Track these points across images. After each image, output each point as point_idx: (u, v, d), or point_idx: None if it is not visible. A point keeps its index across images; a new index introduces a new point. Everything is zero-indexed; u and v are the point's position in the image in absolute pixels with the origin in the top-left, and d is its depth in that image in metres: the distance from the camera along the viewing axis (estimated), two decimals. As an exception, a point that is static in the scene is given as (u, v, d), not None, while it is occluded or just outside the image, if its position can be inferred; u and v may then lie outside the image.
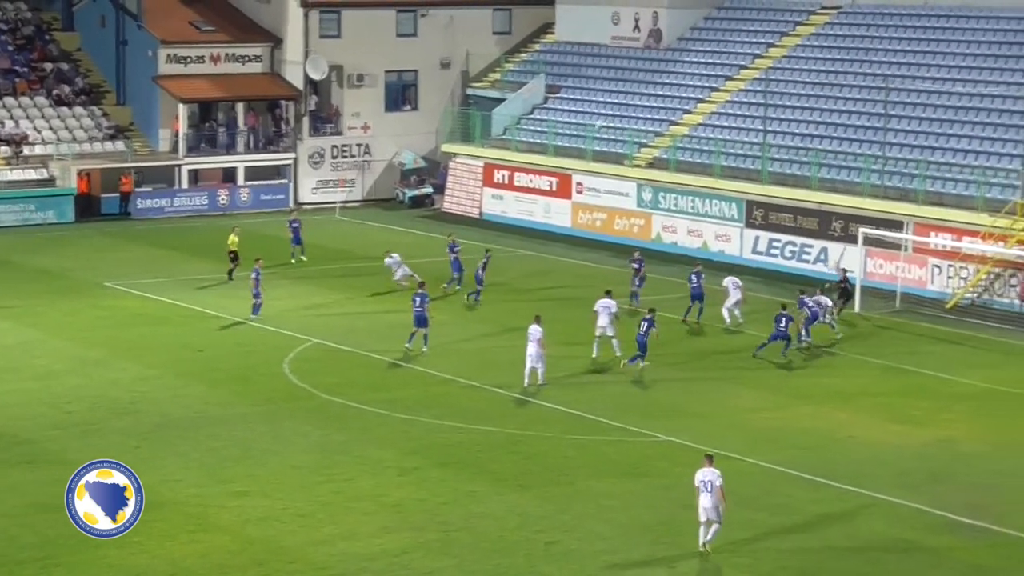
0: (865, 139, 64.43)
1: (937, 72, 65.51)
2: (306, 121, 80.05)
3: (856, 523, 34.06)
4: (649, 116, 73.18)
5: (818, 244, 62.07)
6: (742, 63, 72.99)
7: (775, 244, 63.75)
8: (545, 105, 78.04)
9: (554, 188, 72.79)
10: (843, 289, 53.79)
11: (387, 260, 58.31)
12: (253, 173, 78.79)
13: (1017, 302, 54.99)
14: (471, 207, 76.49)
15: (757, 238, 64.43)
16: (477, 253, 58.96)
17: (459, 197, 77.38)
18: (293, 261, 62.62)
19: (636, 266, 55.99)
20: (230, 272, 58.91)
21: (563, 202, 72.35)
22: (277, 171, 79.64)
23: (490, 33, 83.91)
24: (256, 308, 52.63)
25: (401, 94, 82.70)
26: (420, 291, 49.07)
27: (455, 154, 78.25)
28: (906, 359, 48.82)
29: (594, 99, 76.28)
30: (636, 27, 77.85)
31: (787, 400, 44.02)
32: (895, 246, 58.31)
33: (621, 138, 71.88)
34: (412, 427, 41.15)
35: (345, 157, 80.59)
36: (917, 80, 65.44)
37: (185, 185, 77.42)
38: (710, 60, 74.51)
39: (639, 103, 74.38)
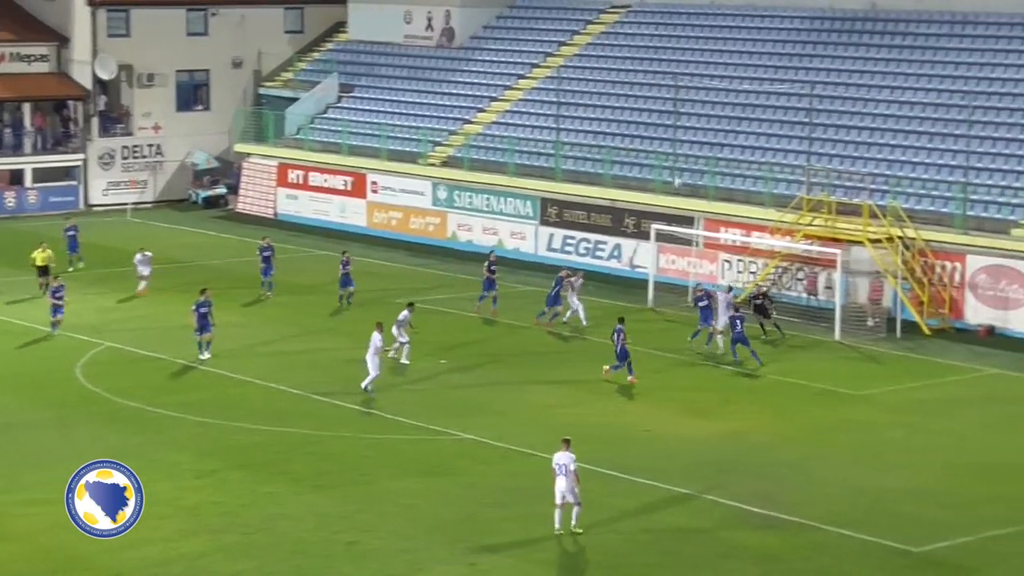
0: (656, 136, 65.37)
1: (725, 70, 66.72)
2: (95, 121, 78.85)
3: (652, 515, 34.58)
4: (443, 115, 73.41)
5: (612, 241, 62.85)
6: (534, 61, 73.57)
7: (569, 241, 64.39)
8: (339, 104, 77.87)
9: (349, 187, 72.68)
10: (758, 306, 52.75)
11: (137, 257, 57.61)
12: (41, 175, 77.38)
13: (804, 295, 56.21)
14: (265, 207, 76.03)
15: (552, 235, 65.01)
16: (279, 253, 58.53)
17: (253, 197, 76.86)
18: (71, 269, 60.88)
19: (492, 270, 54.62)
20: (42, 286, 56.25)
21: (358, 201, 72.27)
22: (66, 172, 78.32)
23: (282, 32, 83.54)
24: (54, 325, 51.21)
25: (192, 94, 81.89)
26: (203, 298, 47.72)
27: (248, 154, 77.70)
28: (695, 354, 49.64)
29: (388, 98, 76.30)
30: (429, 26, 78.05)
31: (584, 396, 44.51)
32: (687, 242, 59.27)
33: (415, 137, 72.01)
34: (208, 429, 40.84)
35: (136, 158, 79.57)
36: (706, 78, 66.58)
37: (-30, 187, 75.83)
38: (503, 59, 74.99)
39: (433, 102, 74.57)
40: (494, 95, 73.05)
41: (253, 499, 35.35)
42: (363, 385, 44.09)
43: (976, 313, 53.18)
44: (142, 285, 57.06)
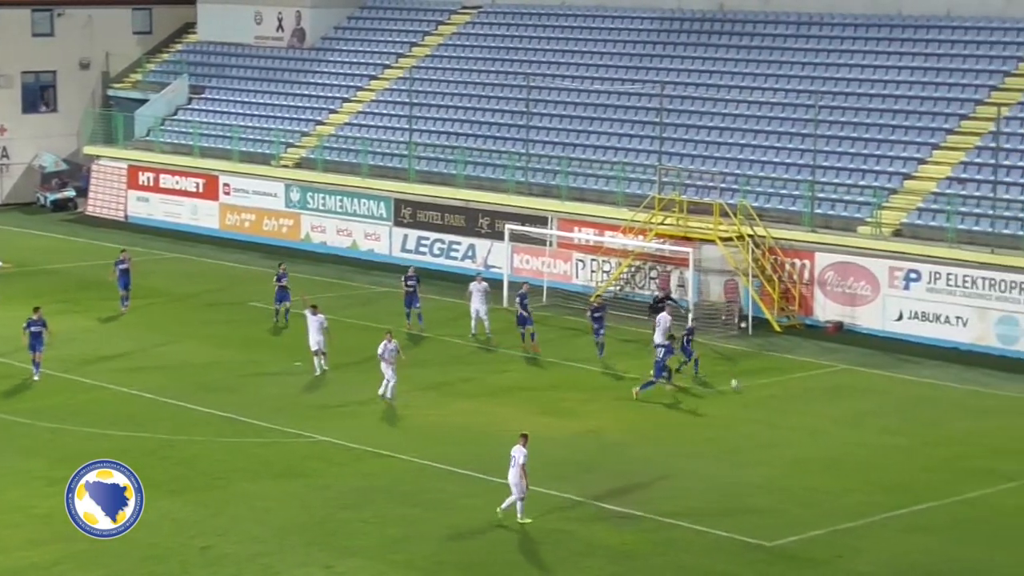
0: (509, 137, 65.60)
1: (576, 71, 67.13)
2: (-61, 123, 77.49)
3: (509, 515, 34.66)
4: (295, 116, 73.08)
5: (466, 241, 62.94)
6: (386, 62, 73.48)
7: (424, 242, 64.40)
8: (189, 106, 77.20)
9: (201, 189, 72.05)
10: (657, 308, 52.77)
11: None
12: None
13: (658, 293, 56.70)
14: (116, 210, 75.13)
15: (406, 236, 64.98)
16: (133, 256, 57.80)
17: (103, 200, 75.91)
18: None
19: (411, 284, 52.65)
20: None
21: (211, 203, 71.67)
22: (-91, 176, 76.90)
23: (130, 33, 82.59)
24: None
25: (39, 95, 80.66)
26: (35, 317, 45.58)
27: (98, 156, 76.74)
28: (554, 352, 49.91)
29: (239, 99, 75.79)
30: (280, 27, 77.63)
31: (441, 397, 44.54)
32: (541, 242, 59.53)
33: (268, 139, 71.60)
34: (60, 436, 40.32)
35: (-18, 160, 78.29)
36: (557, 79, 66.95)
37: None
38: (354, 59, 74.82)
39: (285, 103, 74.20)
40: (346, 96, 72.86)
41: (106, 506, 34.90)
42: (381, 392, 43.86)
43: (825, 310, 54.01)
44: None
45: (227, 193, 71.19)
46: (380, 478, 37.38)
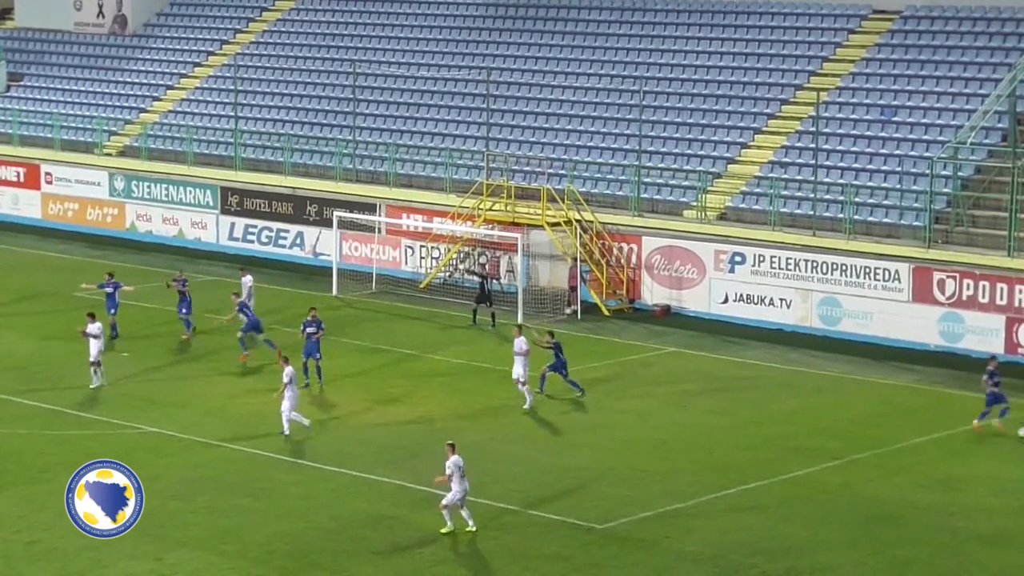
0: (336, 124, 65.36)
1: (402, 57, 67.09)
2: None
3: (340, 503, 34.61)
4: (118, 104, 72.14)
5: (294, 229, 62.61)
6: (210, 49, 72.79)
7: (251, 230, 63.93)
8: (8, 94, 75.81)
9: (22, 179, 70.80)
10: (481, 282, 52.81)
11: None
12: None
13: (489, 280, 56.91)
14: (-66, 200, 73.56)
15: (233, 224, 64.45)
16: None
17: (-80, 190, 74.23)
18: None
19: (180, 287, 49.79)
20: None
21: (32, 193, 70.45)
22: None
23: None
24: None
25: None
26: None
27: (-86, 145, 75.10)
28: (384, 339, 49.86)
29: (60, 87, 74.64)
30: (100, 13, 76.51)
31: (264, 386, 44.17)
32: (369, 228, 59.41)
33: (90, 127, 70.56)
34: None
35: None
36: (383, 65, 66.84)
37: None
38: (178, 47, 74.01)
39: (107, 91, 73.22)
40: (170, 84, 72.06)
41: (-73, 502, 34.26)
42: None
43: (652, 293, 54.59)
44: None
45: (49, 182, 70.04)
46: (209, 468, 37.07)
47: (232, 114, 67.52)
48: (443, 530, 32.38)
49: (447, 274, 57.59)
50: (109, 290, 49.05)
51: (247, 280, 50.45)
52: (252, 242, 63.63)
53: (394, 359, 47.68)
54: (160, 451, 38.30)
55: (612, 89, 61.01)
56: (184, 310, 49.48)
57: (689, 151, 57.53)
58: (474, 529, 32.43)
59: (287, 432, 39.44)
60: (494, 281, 53.98)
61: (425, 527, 32.89)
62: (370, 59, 67.43)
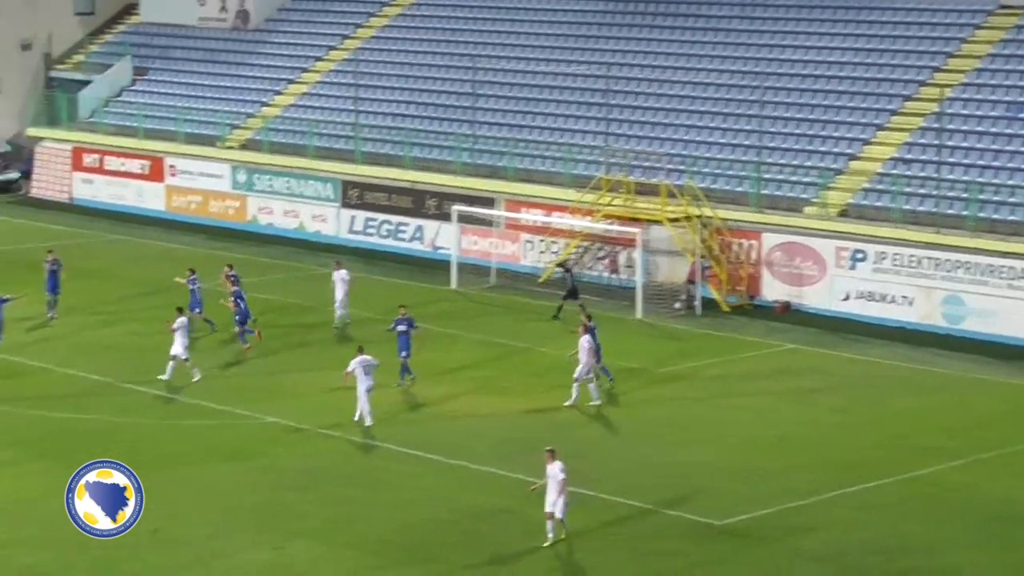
0: (456, 118, 65.49)
1: (523, 52, 67.06)
2: None
3: (455, 495, 34.69)
4: (240, 98, 72.74)
5: (414, 223, 62.82)
6: (331, 44, 73.18)
7: (371, 223, 64.23)
8: (133, 87, 76.73)
9: (146, 171, 71.66)
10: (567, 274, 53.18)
11: None
12: None
13: (606, 274, 56.83)
14: (60, 192, 74.64)
15: (353, 218, 64.80)
16: (75, 238, 57.56)
17: (48, 182, 75.39)
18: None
19: (235, 296, 47.95)
20: None
21: (156, 185, 71.29)
22: None
23: (72, 14, 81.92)
24: None
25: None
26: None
27: (41, 138, 76.20)
28: (501, 332, 49.89)
29: (183, 81, 75.39)
30: (223, 8, 77.18)
31: (387, 378, 44.36)
32: (488, 223, 59.50)
33: (213, 120, 71.26)
34: (5, 419, 40.05)
35: (-76, 142, 77.62)
36: (504, 60, 66.87)
37: None
38: (299, 41, 74.50)
39: (229, 84, 73.84)
40: (291, 77, 72.57)
41: (53, 489, 34.39)
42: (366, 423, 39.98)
43: (772, 290, 54.19)
44: None
45: (172, 175, 70.83)
46: (326, 459, 37.33)
47: (352, 108, 67.88)
48: (544, 544, 31.51)
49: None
50: (191, 286, 49.06)
51: (342, 274, 50.37)
52: (372, 235, 63.94)
53: (511, 352, 47.68)
54: (278, 441, 38.63)
55: (733, 84, 60.61)
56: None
57: (810, 147, 57.03)
58: (551, 542, 31.36)
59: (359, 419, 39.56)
60: (574, 273, 53.57)
61: (540, 520, 32.82)
62: (490, 54, 67.49)
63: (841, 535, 32.45)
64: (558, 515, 31.30)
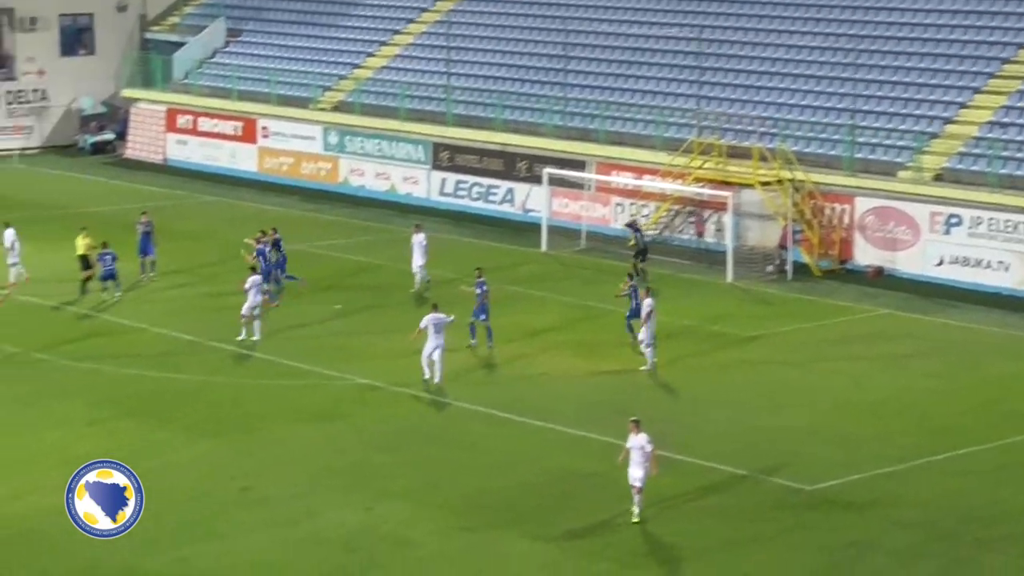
0: (547, 80, 65.29)
1: (614, 14, 66.70)
2: (-23, 66, 77.62)
3: (545, 458, 34.67)
4: (333, 59, 72.86)
5: (504, 185, 62.76)
6: (424, 5, 73.10)
7: (462, 186, 64.24)
8: (227, 49, 77.07)
9: (239, 132, 72.01)
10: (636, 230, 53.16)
11: (7, 232, 50.00)
12: (-77, 120, 76.18)
13: (695, 238, 56.57)
14: (155, 153, 75.19)
15: (444, 180, 64.83)
16: (169, 199, 57.94)
17: (142, 143, 75.97)
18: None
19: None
20: (84, 282, 48.75)
21: (249, 147, 71.64)
22: (-52, 118, 77.16)
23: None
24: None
25: (77, 38, 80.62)
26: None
27: (136, 99, 76.77)
28: (591, 295, 49.73)
29: (276, 43, 75.62)
30: (317, -31, 77.30)
31: (467, 341, 44.32)
32: (578, 185, 59.34)
33: (305, 82, 71.46)
34: (98, 377, 40.43)
35: (21, 103, 78.31)
36: (595, 22, 66.55)
37: None
38: (392, 3, 74.45)
39: (322, 46, 73.98)
40: (384, 39, 72.59)
41: (145, 447, 35.04)
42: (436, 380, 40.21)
43: (865, 254, 53.71)
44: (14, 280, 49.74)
45: (265, 136, 71.14)
46: (417, 420, 37.42)
47: (444, 70, 67.84)
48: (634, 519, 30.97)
49: (657, 232, 57.28)
50: (262, 248, 48.95)
51: (420, 238, 50.20)
52: (463, 198, 63.95)
53: (599, 315, 47.47)
54: (368, 402, 38.75)
55: (826, 47, 60.00)
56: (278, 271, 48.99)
57: (905, 110, 56.37)
58: (636, 520, 30.79)
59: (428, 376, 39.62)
60: (645, 234, 53.32)
61: (629, 484, 32.76)
62: (582, 15, 67.19)
63: (934, 501, 32.16)
64: (636, 483, 30.58)
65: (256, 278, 44.19)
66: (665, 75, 62.74)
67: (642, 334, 41.61)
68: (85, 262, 48.86)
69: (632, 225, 53.81)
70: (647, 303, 41.52)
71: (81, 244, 49.05)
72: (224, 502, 31.82)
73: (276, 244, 49.44)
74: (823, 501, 32.23)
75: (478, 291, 43.40)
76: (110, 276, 47.89)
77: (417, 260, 49.77)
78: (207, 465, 33.97)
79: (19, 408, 37.85)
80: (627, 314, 43.44)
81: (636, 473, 30.56)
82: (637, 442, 30.57)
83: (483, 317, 43.25)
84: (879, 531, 30.59)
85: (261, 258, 47.85)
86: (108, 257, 47.86)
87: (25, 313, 46.65)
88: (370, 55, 72.05)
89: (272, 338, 44.05)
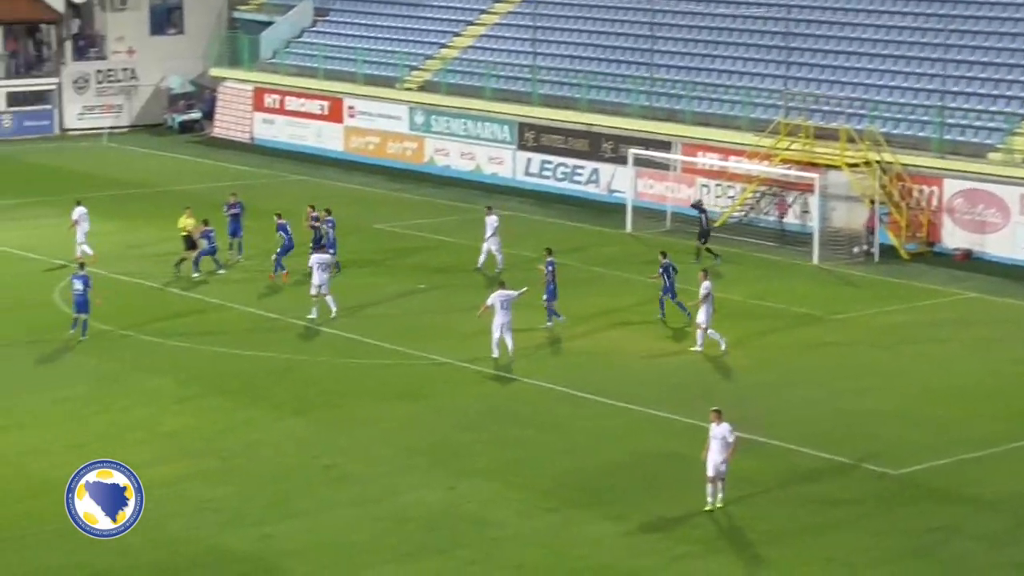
0: (633, 60, 65.10)
1: (702, -6, 66.45)
2: (69, 45, 78.25)
3: (630, 439, 34.66)
4: (419, 39, 72.99)
5: (589, 165, 62.68)
6: (511, -15, 73.11)
7: (547, 166, 64.21)
8: (314, 28, 77.38)
9: (325, 112, 72.31)
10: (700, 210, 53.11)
11: (77, 210, 50.73)
12: (16, 99, 76.89)
13: (778, 219, 56.25)
14: (242, 132, 75.66)
15: (529, 160, 64.82)
16: (256, 178, 58.19)
17: (229, 122, 76.46)
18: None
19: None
20: (179, 262, 48.83)
21: (335, 126, 71.91)
22: (40, 97, 77.87)
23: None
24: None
25: (166, 17, 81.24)
26: (81, 272, 42.65)
27: (224, 78, 77.25)
28: (676, 277, 49.52)
29: (363, 22, 75.81)
30: (405, -51, 77.41)
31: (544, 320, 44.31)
32: (664, 166, 59.16)
33: (391, 61, 71.62)
34: (188, 355, 40.78)
35: (111, 82, 79.04)
36: (682, 1, 66.23)
37: (-55, 111, 75.54)
38: (479, -18, 74.51)
39: (408, 26, 74.11)
40: (470, 19, 72.60)
41: (232, 424, 35.35)
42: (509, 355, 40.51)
43: (953, 237, 53.23)
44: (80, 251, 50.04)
45: (351, 116, 71.39)
46: (500, 400, 37.49)
47: (530, 50, 67.79)
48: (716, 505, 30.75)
49: (743, 213, 57.04)
50: (327, 227, 49.10)
51: (493, 220, 50.18)
52: (548, 178, 63.92)
53: (684, 297, 47.31)
54: (451, 381, 38.87)
55: (916, 28, 59.45)
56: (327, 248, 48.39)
57: (995, 91, 55.76)
58: (712, 507, 30.40)
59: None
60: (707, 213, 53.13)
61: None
62: (669, -5, 67.00)
63: (1020, 486, 31.85)
64: (710, 473, 30.22)
65: (320, 256, 44.36)
66: (752, 55, 62.40)
67: (700, 316, 41.49)
68: (189, 241, 49.01)
69: (698, 206, 53.61)
70: (704, 285, 41.48)
71: (185, 223, 49.22)
72: (308, 480, 32.03)
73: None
74: (909, 485, 32.02)
75: (547, 271, 43.36)
76: (212, 252, 48.38)
77: (489, 240, 49.73)
78: (292, 443, 34.21)
79: (108, 384, 38.26)
80: (661, 293, 43.75)
81: (715, 462, 30.24)
82: (719, 432, 30.35)
83: (547, 297, 43.26)
84: (965, 516, 30.38)
85: (285, 232, 48.16)
86: (213, 234, 48.36)
87: (113, 291, 47.01)
88: (456, 35, 72.09)
89: (354, 317, 44.26)
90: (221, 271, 48.69)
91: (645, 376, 39.41)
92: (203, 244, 48.66)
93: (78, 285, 41.77)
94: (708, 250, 51.53)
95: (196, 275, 48.48)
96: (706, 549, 29.04)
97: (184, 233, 49.13)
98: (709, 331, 41.27)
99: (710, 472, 30.37)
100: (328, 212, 49.95)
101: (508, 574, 27.79)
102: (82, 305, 41.72)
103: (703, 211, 53.03)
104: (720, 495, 30.50)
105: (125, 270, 49.23)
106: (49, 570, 27.71)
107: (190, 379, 38.63)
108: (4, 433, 34.58)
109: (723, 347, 41.25)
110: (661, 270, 43.87)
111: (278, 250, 48.61)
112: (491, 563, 28.22)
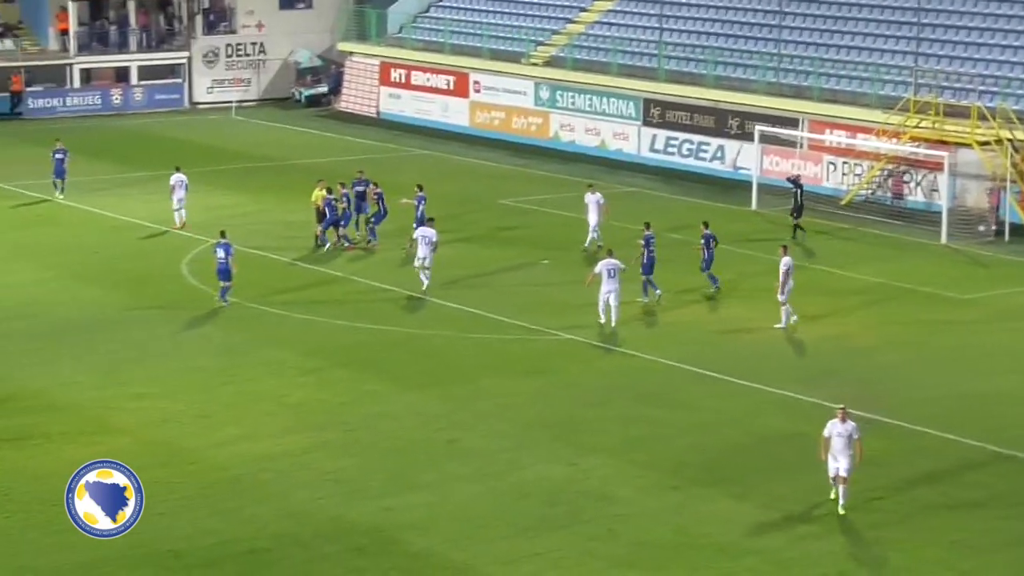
0: (760, 36, 64.60)
1: (831, -31, 65.73)
2: (199, 19, 79.08)
3: (754, 418, 34.48)
4: (545, 14, 72.92)
5: (715, 142, 62.34)
6: (638, -40, 72.77)
7: (672, 142, 63.94)
8: (441, 3, 77.53)
9: (451, 87, 72.49)
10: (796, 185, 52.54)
11: (175, 176, 51.42)
12: (146, 72, 77.89)
13: (901, 198, 55.62)
14: (368, 106, 76.07)
15: (655, 136, 64.59)
16: (381, 152, 58.49)
17: (356, 96, 76.90)
18: (59, 196, 56.06)
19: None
20: (318, 237, 49.20)
21: (460, 101, 72.08)
22: (171, 70, 78.81)
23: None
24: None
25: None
26: (223, 240, 43.12)
27: (351, 53, 77.69)
28: (801, 255, 49.20)
29: (490, -3, 75.93)
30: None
31: (684, 297, 44.28)
32: (791, 143, 58.69)
33: (518, 36, 71.64)
34: (312, 327, 41.11)
35: (240, 56, 79.81)
36: (812, -23, 65.66)
37: (77, 84, 76.47)
38: (606, -43, 74.26)
39: (535, 0, 74.05)
40: (597, -6, 72.47)
41: (356, 397, 35.61)
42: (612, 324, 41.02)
43: (1086, 217, 52.41)
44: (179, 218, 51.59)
45: (477, 91, 71.50)
46: (624, 377, 37.42)
47: (657, 26, 67.49)
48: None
49: (870, 191, 56.47)
50: (418, 204, 48.76)
51: (596, 197, 49.51)
52: (673, 154, 63.65)
53: (811, 276, 46.93)
54: (576, 357, 38.85)
55: (1051, 3, 58.53)
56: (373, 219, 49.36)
57: None
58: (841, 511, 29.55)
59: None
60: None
61: (839, 447, 32.44)
62: (797, -29, 66.34)
63: None
64: (843, 473, 29.34)
65: (424, 230, 44.63)
66: (882, 31, 61.68)
67: (781, 294, 41.15)
68: (320, 214, 49.17)
69: (794, 180, 53.02)
70: (785, 261, 41.18)
71: (318, 195, 49.29)
72: (430, 453, 32.20)
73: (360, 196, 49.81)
74: (1036, 469, 31.63)
75: (644, 246, 43.19)
76: (335, 223, 48.62)
77: (592, 219, 49.47)
78: (415, 416, 34.40)
79: (234, 357, 38.67)
80: (702, 266, 44.03)
81: (841, 463, 29.23)
82: (845, 430, 29.32)
83: (644, 271, 43.14)
84: (1094, 501, 29.94)
85: (330, 208, 48.46)
86: (335, 202, 48.55)
87: (240, 263, 47.32)
88: (583, 10, 71.92)
89: (476, 290, 44.40)
90: (347, 243, 48.86)
91: (771, 355, 39.16)
92: (342, 208, 48.90)
93: (220, 253, 42.58)
94: (798, 226, 51.06)
95: (326, 246, 48.85)
96: (827, 529, 28.85)
97: (317, 206, 49.36)
98: (784, 307, 40.95)
99: (831, 472, 29.47)
100: (420, 188, 49.68)
101: (630, 551, 27.77)
102: (224, 273, 42.46)
103: (799, 186, 52.46)
104: (842, 501, 29.33)
105: (251, 243, 49.60)
106: (182, 537, 28.08)
107: (314, 352, 38.94)
108: (129, 403, 35.08)
109: (793, 322, 40.91)
110: (703, 240, 44.08)
111: (371, 218, 49.09)
112: (612, 539, 28.21)
